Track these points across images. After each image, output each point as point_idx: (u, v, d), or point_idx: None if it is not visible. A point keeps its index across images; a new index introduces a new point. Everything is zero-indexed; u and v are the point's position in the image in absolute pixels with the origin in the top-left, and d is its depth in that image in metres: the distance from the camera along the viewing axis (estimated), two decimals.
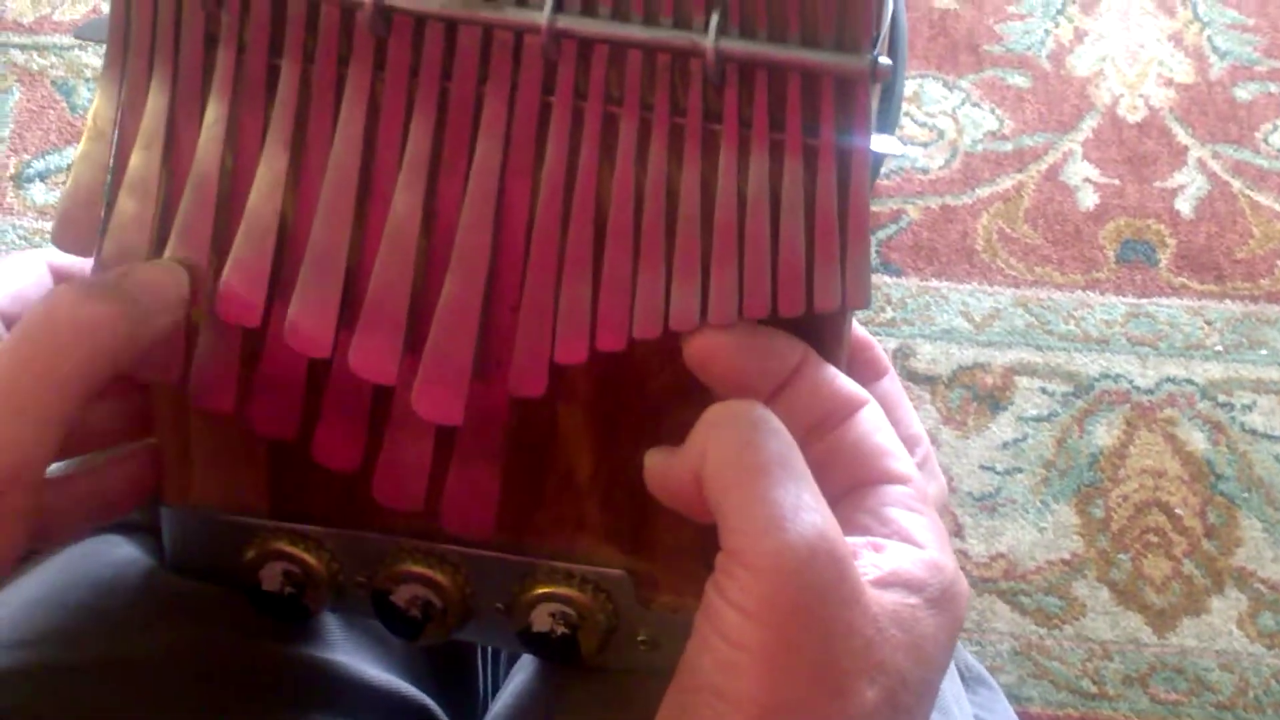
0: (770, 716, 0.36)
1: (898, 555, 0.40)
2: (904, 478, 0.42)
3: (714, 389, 0.43)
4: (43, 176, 1.31)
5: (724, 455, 0.39)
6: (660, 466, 0.42)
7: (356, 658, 0.57)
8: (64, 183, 1.31)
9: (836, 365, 0.43)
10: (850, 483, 0.42)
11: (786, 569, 0.36)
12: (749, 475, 0.38)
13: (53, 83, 1.36)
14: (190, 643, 0.51)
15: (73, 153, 1.31)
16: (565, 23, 0.41)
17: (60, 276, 0.48)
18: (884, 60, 0.40)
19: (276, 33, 0.43)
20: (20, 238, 1.27)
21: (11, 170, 1.31)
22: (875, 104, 0.41)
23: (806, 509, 0.37)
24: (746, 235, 0.41)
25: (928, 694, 0.39)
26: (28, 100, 1.35)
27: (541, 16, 0.41)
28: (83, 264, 0.45)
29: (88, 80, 1.36)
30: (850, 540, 0.40)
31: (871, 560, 0.39)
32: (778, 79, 0.41)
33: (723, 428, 0.40)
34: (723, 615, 0.37)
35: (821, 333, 0.43)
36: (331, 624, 0.56)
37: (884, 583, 0.39)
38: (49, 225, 1.26)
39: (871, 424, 0.42)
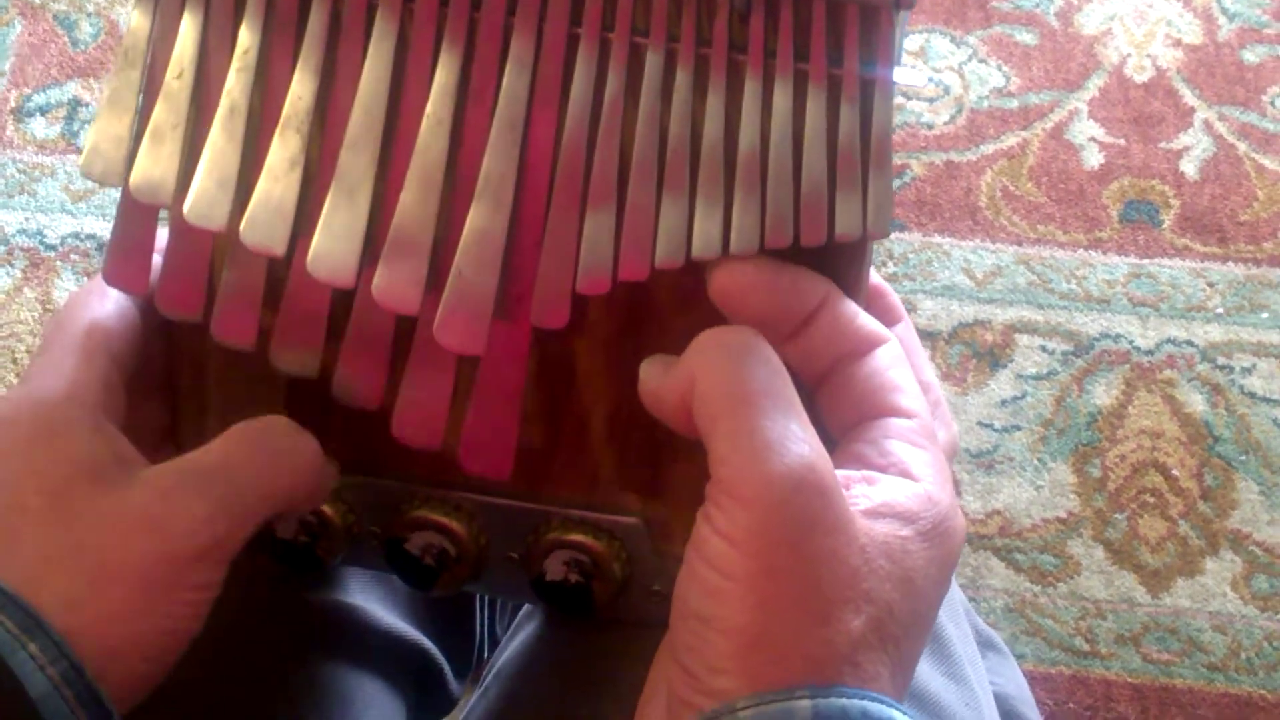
0: (756, 644, 0.37)
1: (891, 487, 0.40)
2: (910, 413, 0.42)
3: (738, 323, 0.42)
4: (43, 111, 1.30)
5: (712, 383, 0.39)
6: (653, 383, 0.42)
7: (368, 600, 0.57)
8: (64, 117, 1.31)
9: (857, 301, 0.43)
10: (860, 415, 0.42)
11: (772, 500, 0.37)
12: (736, 405, 0.38)
13: (54, 17, 1.35)
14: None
15: (73, 87, 1.30)
16: None
17: None
18: None
19: None
20: (20, 171, 1.26)
21: (12, 104, 1.30)
22: (900, 34, 0.42)
23: (793, 439, 0.37)
24: (769, 164, 0.42)
25: (916, 627, 0.39)
26: (29, 34, 1.34)
27: None
28: None
29: (89, 14, 1.35)
30: (844, 473, 0.40)
31: (863, 491, 0.39)
32: (803, 8, 0.41)
33: (711, 355, 0.40)
34: (710, 544, 0.37)
35: (843, 266, 0.43)
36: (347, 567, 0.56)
37: (875, 513, 0.39)
38: (48, 160, 1.26)
39: (886, 360, 0.42)
